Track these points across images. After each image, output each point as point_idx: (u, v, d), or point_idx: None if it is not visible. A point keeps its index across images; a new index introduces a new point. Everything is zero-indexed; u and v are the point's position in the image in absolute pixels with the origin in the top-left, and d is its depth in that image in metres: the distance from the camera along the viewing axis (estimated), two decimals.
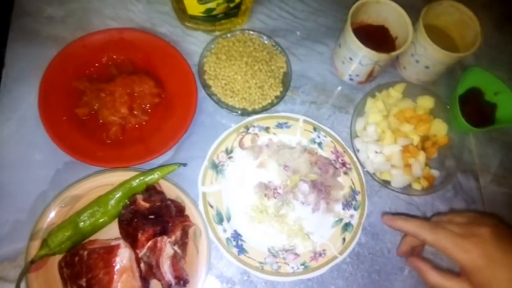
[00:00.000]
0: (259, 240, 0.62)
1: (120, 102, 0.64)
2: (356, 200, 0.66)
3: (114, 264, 0.52)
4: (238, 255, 0.60)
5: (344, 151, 0.68)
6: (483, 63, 0.79)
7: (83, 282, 0.52)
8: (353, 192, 0.66)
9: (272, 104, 0.68)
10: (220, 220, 0.62)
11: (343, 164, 0.67)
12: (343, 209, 0.65)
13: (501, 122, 0.70)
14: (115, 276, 0.52)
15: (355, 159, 0.67)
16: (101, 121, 0.65)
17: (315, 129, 0.69)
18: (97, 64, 0.68)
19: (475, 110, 0.71)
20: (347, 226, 0.64)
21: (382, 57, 0.65)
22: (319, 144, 0.68)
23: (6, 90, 0.66)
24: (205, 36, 0.74)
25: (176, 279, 0.53)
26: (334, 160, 0.68)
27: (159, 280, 0.54)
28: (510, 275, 0.50)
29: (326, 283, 0.62)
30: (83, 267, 0.52)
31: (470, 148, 0.75)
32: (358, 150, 0.68)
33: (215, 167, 0.64)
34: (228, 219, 0.63)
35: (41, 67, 0.64)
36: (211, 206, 0.62)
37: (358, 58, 0.67)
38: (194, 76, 0.68)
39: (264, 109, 0.68)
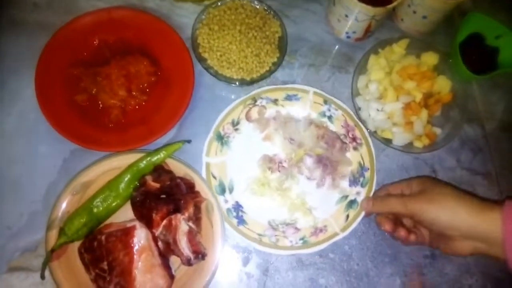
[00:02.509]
0: (260, 212, 0.62)
1: (117, 85, 0.64)
2: (364, 177, 0.64)
3: (132, 245, 0.54)
4: (238, 225, 0.61)
5: (355, 125, 0.66)
6: (481, 7, 0.76)
7: (104, 265, 0.53)
8: (362, 168, 0.65)
9: (270, 72, 0.67)
10: (222, 191, 0.62)
11: (354, 139, 0.66)
12: (350, 185, 0.65)
13: (504, 67, 0.68)
14: (135, 256, 0.53)
15: (366, 133, 0.66)
16: (101, 106, 0.64)
17: (325, 101, 0.67)
18: (89, 48, 0.67)
19: (477, 56, 0.69)
20: (352, 203, 0.64)
21: (378, 11, 0.63)
22: (329, 117, 0.67)
23: (2, 84, 0.65)
24: (194, 6, 0.72)
25: (194, 254, 0.55)
26: (344, 135, 0.66)
27: (178, 256, 0.55)
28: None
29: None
30: (103, 251, 0.54)
31: (474, 96, 0.74)
32: (359, 108, 0.67)
33: (221, 138, 0.64)
34: (231, 190, 0.63)
35: (34, 57, 0.63)
36: (214, 177, 0.62)
37: (353, 14, 0.65)
38: (189, 50, 0.66)
39: (262, 77, 0.67)
